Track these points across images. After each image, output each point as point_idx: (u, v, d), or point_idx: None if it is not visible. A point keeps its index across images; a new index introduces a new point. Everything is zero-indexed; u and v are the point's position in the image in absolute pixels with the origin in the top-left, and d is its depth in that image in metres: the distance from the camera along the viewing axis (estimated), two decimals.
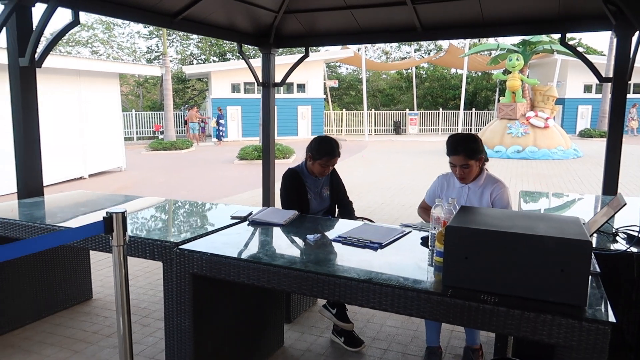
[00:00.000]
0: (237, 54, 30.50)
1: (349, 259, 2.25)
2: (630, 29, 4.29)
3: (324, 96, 26.04)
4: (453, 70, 33.94)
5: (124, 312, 2.07)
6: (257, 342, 2.95)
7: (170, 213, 3.38)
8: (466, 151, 2.87)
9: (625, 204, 2.41)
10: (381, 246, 2.40)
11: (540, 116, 16.50)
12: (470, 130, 27.86)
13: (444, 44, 31.14)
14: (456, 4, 4.89)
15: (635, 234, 2.46)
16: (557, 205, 3.75)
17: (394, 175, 11.97)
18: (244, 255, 2.29)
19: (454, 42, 24.69)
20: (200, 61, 33.43)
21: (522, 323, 1.67)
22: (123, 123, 13.29)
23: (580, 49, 16.21)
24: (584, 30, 4.89)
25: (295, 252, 2.38)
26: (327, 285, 2.02)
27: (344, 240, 2.49)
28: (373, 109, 29.49)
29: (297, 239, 2.62)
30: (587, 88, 26.39)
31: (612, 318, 1.60)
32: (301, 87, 24.70)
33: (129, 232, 2.56)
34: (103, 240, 2.60)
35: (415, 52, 36.08)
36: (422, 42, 34.57)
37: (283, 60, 19.28)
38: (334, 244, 2.48)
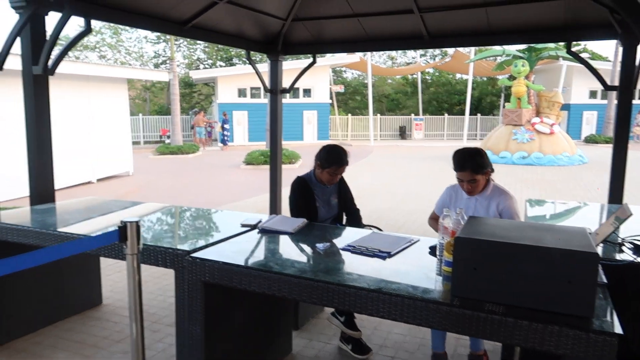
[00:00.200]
0: (244, 59, 30.70)
1: (358, 268, 2.29)
2: (636, 39, 4.32)
3: (330, 101, 26.12)
4: (458, 76, 33.96)
5: (137, 319, 2.11)
6: (265, 349, 2.99)
7: (180, 220, 3.42)
8: (473, 167, 2.91)
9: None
10: (389, 255, 2.44)
11: (545, 122, 16.48)
12: (475, 136, 27.85)
13: (450, 49, 31.16)
14: (463, 12, 4.92)
15: None
16: (562, 213, 3.77)
17: (399, 180, 12.00)
18: (255, 264, 2.33)
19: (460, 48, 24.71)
20: (206, 66, 33.64)
21: (530, 334, 1.70)
22: (130, 127, 13.38)
23: (585, 55, 16.24)
24: (590, 38, 4.92)
25: (305, 261, 2.42)
26: (337, 295, 2.05)
27: (353, 249, 2.53)
28: (378, 114, 29.53)
29: (306, 247, 2.65)
30: (593, 94, 26.36)
31: (619, 329, 1.63)
32: (307, 92, 24.81)
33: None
34: (116, 248, 2.65)
35: (420, 57, 36.12)
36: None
37: (290, 66, 19.40)
38: (343, 252, 2.51)
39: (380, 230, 3.52)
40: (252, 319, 2.84)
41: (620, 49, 4.58)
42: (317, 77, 23.48)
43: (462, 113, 26.57)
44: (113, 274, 4.77)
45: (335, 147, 3.49)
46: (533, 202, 3.91)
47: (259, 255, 2.55)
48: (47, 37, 3.76)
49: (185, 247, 2.57)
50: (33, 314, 3.53)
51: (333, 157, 3.40)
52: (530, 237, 1.87)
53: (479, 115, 29.11)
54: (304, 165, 13.59)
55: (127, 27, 31.10)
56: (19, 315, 3.44)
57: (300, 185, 3.50)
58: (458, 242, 1.89)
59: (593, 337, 1.62)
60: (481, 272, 1.84)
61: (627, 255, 2.41)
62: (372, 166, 15.21)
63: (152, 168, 14.82)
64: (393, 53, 37.70)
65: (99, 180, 11.92)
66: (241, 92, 24.04)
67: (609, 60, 26.49)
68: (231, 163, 15.91)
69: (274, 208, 6.24)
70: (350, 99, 35.70)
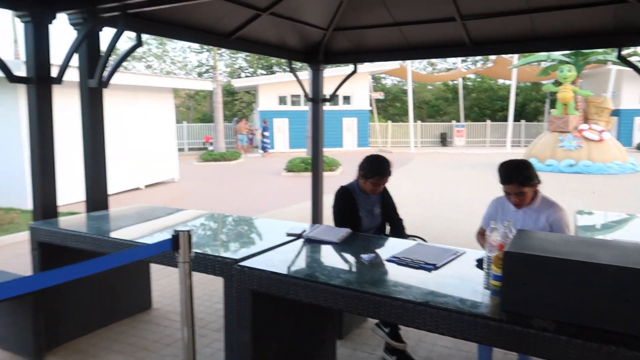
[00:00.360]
0: (284, 67, 31.10)
1: (404, 280, 2.29)
2: None
3: (370, 108, 26.08)
4: (501, 81, 33.23)
5: (188, 324, 2.19)
6: (310, 358, 3.02)
7: (227, 228, 3.51)
8: (519, 179, 2.86)
9: None
10: (435, 267, 2.43)
11: (594, 129, 15.91)
12: (519, 142, 27.15)
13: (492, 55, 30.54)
14: (507, 19, 4.84)
15: None
16: (614, 225, 3.65)
17: (440, 188, 11.84)
18: (301, 274, 2.37)
19: None
20: (248, 74, 34.26)
21: (585, 353, 1.66)
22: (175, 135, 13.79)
23: (635, 59, 15.53)
24: None
25: (350, 272, 2.44)
26: (383, 307, 2.06)
27: (398, 261, 2.53)
28: (419, 121, 29.26)
29: (351, 258, 2.68)
30: None
31: None
32: (347, 99, 24.87)
33: None
34: (168, 256, 2.75)
35: (462, 63, 35.58)
36: None
37: (330, 73, 19.50)
38: (388, 264, 2.52)
39: (424, 240, 3.51)
40: (297, 328, 2.88)
41: None
42: (356, 84, 23.51)
43: (505, 119, 25.99)
44: (162, 278, 4.93)
45: (378, 157, 3.51)
46: (584, 212, 3.80)
47: (305, 265, 2.59)
48: (101, 52, 3.96)
49: (234, 255, 2.64)
50: (88, 317, 3.70)
51: (376, 168, 3.42)
52: (583, 252, 1.83)
53: (522, 121, 28.38)
54: (344, 172, 13.61)
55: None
56: (76, 317, 3.61)
57: (344, 194, 3.53)
58: (507, 257, 1.87)
59: None
60: (531, 287, 1.82)
61: None
62: (412, 174, 15.08)
63: (196, 175, 15.19)
64: (433, 59, 37.30)
65: (146, 186, 12.32)
66: (282, 100, 24.35)
67: None
68: (272, 170, 16.12)
69: (316, 215, 6.30)
70: (390, 106, 35.53)
